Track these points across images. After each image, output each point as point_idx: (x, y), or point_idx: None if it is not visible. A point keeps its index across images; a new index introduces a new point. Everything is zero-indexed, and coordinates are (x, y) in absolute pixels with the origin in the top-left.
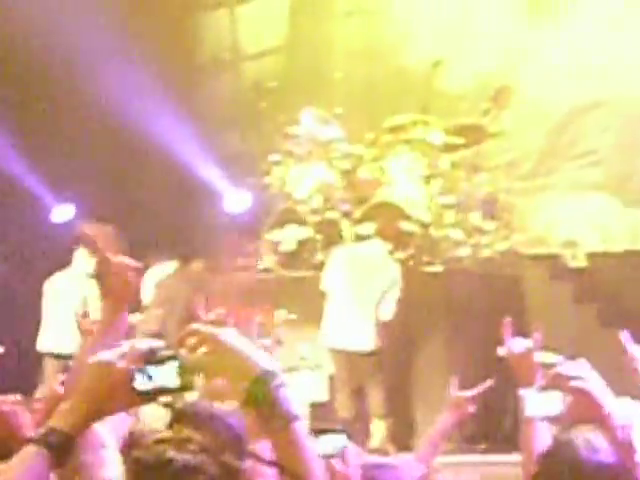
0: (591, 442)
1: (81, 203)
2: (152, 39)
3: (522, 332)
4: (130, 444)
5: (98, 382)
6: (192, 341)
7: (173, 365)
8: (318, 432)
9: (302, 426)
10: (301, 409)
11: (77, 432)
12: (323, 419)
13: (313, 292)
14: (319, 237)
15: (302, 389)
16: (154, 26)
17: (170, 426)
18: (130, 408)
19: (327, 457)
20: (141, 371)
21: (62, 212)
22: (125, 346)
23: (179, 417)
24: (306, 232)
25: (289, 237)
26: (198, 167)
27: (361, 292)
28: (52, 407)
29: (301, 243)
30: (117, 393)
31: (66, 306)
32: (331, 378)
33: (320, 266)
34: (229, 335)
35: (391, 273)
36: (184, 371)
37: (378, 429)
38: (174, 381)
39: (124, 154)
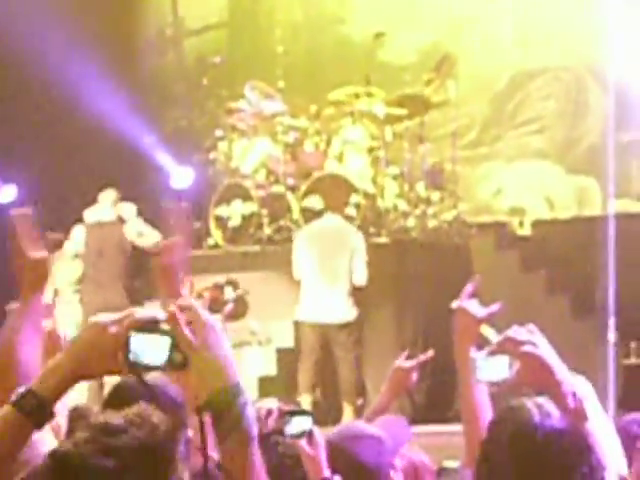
0: (543, 407)
1: (26, 182)
2: (95, 14)
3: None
4: (73, 421)
5: (89, 345)
6: (180, 316)
7: (167, 341)
8: (286, 413)
9: (256, 447)
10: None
11: (55, 395)
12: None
13: (261, 267)
14: (265, 212)
15: (252, 363)
16: (97, 1)
17: (109, 404)
18: (112, 375)
19: (295, 438)
20: (133, 341)
21: (6, 193)
22: (124, 313)
23: (121, 393)
24: (252, 207)
25: (235, 212)
26: (143, 143)
27: (329, 267)
28: None
29: (247, 218)
30: (105, 358)
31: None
32: (279, 352)
33: (267, 241)
34: (217, 324)
35: (352, 241)
36: (176, 348)
37: (349, 408)
38: (165, 357)
39: (68, 131)
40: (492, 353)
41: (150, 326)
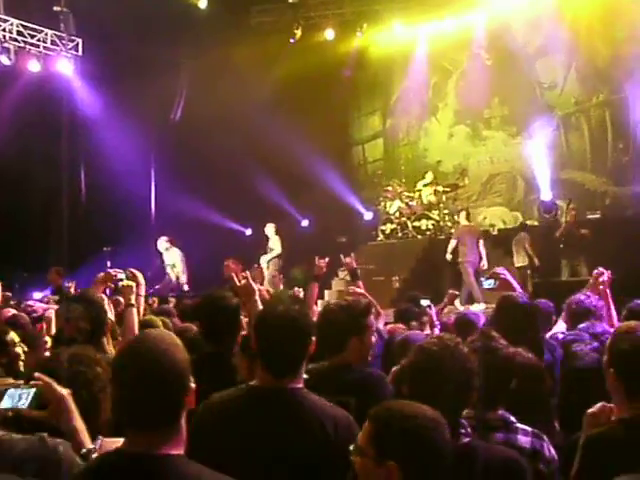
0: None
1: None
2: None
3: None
4: None
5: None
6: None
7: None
8: (419, 298)
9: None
10: None
11: None
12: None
13: (398, 247)
14: (398, 227)
15: None
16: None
17: None
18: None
19: (424, 308)
20: None
21: (304, 222)
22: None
23: None
24: (393, 226)
25: (388, 228)
26: (354, 203)
27: None
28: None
29: (391, 230)
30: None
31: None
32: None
33: (400, 238)
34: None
35: None
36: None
37: None
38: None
39: (312, 196)
40: (488, 278)
41: None
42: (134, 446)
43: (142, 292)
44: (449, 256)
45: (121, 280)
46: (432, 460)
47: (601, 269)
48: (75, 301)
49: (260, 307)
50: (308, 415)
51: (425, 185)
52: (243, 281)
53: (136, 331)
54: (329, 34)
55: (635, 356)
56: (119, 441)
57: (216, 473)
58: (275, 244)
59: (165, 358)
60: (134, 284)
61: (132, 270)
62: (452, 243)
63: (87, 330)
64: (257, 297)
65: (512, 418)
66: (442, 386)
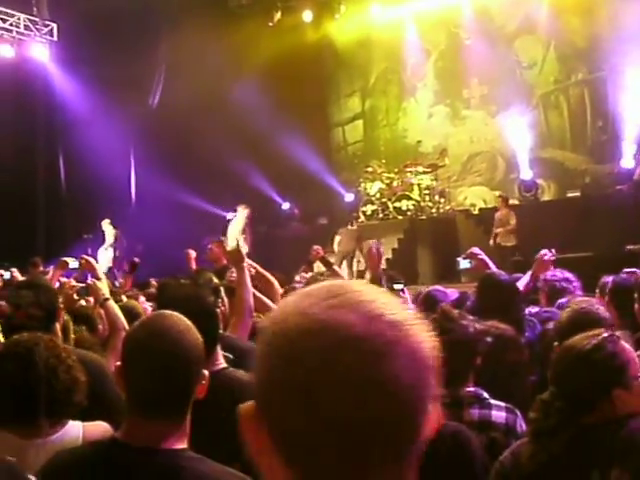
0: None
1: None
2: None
3: (456, 249)
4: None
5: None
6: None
7: None
8: (393, 281)
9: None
10: None
11: None
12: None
13: (379, 228)
14: (379, 209)
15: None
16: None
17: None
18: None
19: (397, 292)
20: None
21: (285, 205)
22: None
23: None
24: (374, 207)
25: (369, 209)
26: (334, 185)
27: None
28: None
29: (372, 211)
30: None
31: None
32: (392, 250)
33: (380, 219)
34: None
35: None
36: None
37: None
38: None
39: (296, 177)
40: (465, 258)
41: None
42: (137, 438)
43: (101, 275)
44: (337, 247)
45: (75, 269)
46: None
47: (545, 250)
48: (24, 287)
49: (248, 276)
50: None
51: (406, 165)
52: (232, 244)
53: (122, 319)
54: (307, 16)
55: (569, 326)
56: (102, 425)
57: (226, 468)
58: (109, 237)
59: (184, 341)
60: (100, 282)
61: (84, 257)
62: (337, 239)
63: (39, 317)
64: (245, 264)
65: (485, 394)
66: None
